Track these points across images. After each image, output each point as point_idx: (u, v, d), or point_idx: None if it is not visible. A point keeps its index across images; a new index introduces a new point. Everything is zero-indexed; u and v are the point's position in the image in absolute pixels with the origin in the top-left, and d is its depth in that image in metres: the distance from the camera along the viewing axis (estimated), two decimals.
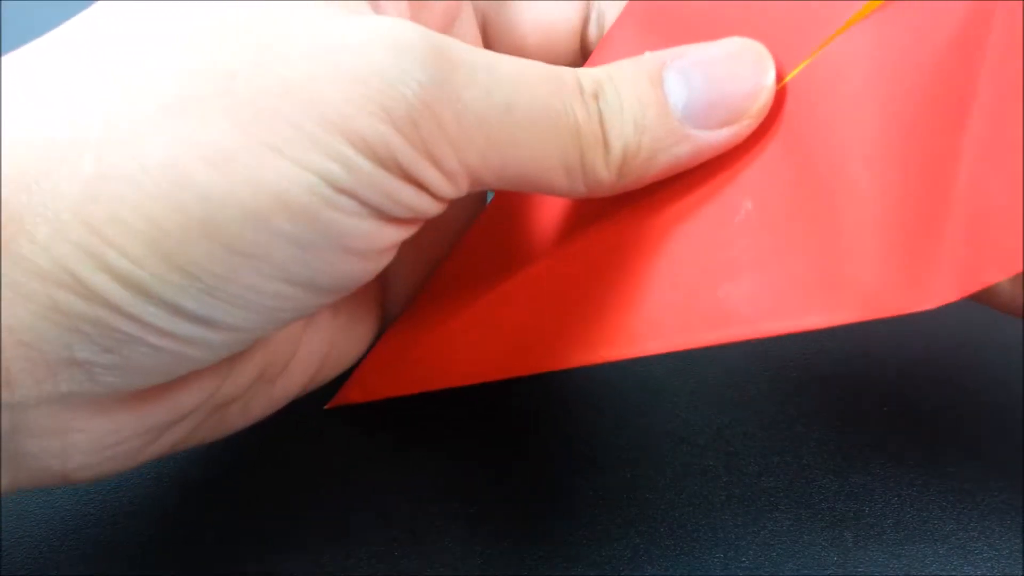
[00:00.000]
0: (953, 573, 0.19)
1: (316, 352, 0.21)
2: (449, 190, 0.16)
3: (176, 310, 0.15)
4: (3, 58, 0.16)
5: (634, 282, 0.19)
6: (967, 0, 0.17)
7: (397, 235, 0.17)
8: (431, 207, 0.17)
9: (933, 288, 0.15)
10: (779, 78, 0.18)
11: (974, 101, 0.16)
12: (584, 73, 0.18)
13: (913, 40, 0.17)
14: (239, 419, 0.20)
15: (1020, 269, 0.14)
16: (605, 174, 0.18)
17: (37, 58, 0.16)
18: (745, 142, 0.19)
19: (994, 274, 0.14)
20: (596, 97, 0.17)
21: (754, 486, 0.21)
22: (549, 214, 0.22)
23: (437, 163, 0.16)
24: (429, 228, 0.22)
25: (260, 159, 0.15)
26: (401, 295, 0.23)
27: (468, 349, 0.21)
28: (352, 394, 0.22)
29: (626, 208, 0.20)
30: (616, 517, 0.20)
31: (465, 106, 0.16)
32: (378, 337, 0.23)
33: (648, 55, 0.18)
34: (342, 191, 0.15)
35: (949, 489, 0.21)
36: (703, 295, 0.18)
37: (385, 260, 0.17)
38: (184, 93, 0.15)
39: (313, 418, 0.23)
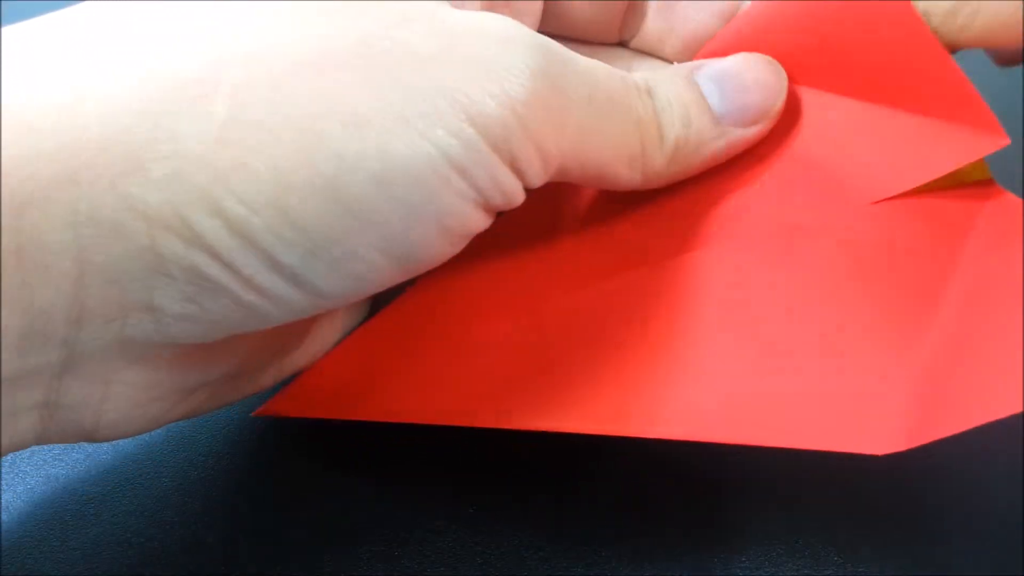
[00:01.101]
0: (953, 573, 0.19)
1: (325, 334, 0.22)
2: (539, 179, 0.18)
3: (275, 265, 0.15)
4: None
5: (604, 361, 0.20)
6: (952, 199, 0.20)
7: (482, 223, 0.18)
8: (517, 196, 0.18)
9: (892, 438, 0.17)
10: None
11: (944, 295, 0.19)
12: (634, 76, 0.20)
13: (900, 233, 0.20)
14: (249, 387, 0.21)
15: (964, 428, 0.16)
16: (661, 162, 0.20)
17: None
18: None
19: (939, 433, 0.16)
20: (650, 95, 0.19)
21: (754, 486, 0.21)
22: (519, 267, 0.22)
23: (540, 148, 0.17)
24: None
25: (393, 128, 0.15)
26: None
27: (415, 385, 0.21)
28: (282, 406, 0.22)
29: (599, 277, 0.21)
30: (616, 517, 0.20)
31: (566, 95, 0.17)
32: None
33: (675, 64, 0.21)
34: (457, 168, 0.16)
35: (948, 489, 0.21)
36: (667, 391, 0.19)
37: (461, 246, 0.18)
38: (321, 54, 0.16)
39: (312, 419, 0.23)
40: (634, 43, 0.24)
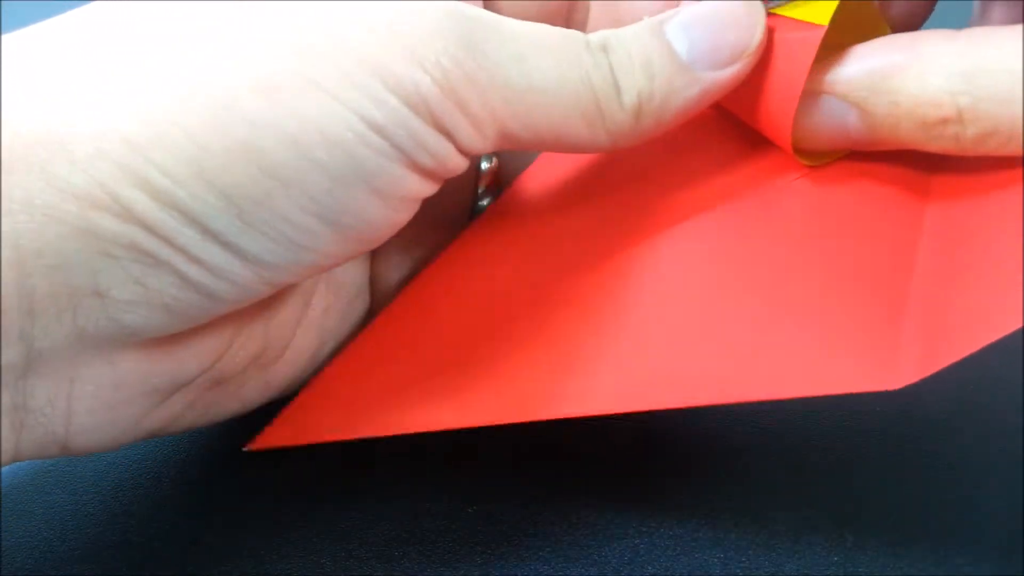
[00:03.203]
0: (953, 573, 0.19)
1: (308, 347, 0.22)
2: (476, 142, 0.17)
3: (208, 232, 0.16)
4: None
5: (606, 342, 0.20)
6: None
7: (420, 187, 0.18)
8: (456, 160, 0.18)
9: (901, 371, 0.17)
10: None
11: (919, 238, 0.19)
12: (589, 34, 0.19)
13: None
14: (233, 402, 0.21)
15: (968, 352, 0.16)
16: (624, 118, 0.19)
17: (84, 10, 0.17)
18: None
19: (948, 359, 0.17)
20: (604, 50, 0.19)
21: (754, 486, 0.21)
22: (506, 268, 0.22)
23: (464, 109, 0.17)
24: (427, 255, 0.23)
25: (304, 92, 0.16)
26: None
27: (419, 393, 0.21)
28: (277, 435, 0.21)
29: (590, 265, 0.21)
30: (616, 517, 0.20)
31: (488, 58, 0.17)
32: None
33: (645, 18, 0.20)
34: (376, 129, 0.16)
35: (949, 489, 0.21)
36: (670, 359, 0.19)
37: (404, 214, 0.18)
38: (229, 28, 0.16)
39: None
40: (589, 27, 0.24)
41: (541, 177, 0.24)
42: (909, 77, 0.18)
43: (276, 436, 0.21)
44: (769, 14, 0.20)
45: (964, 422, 0.22)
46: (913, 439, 0.22)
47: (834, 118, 0.19)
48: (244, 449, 0.21)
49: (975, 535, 0.20)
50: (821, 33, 0.18)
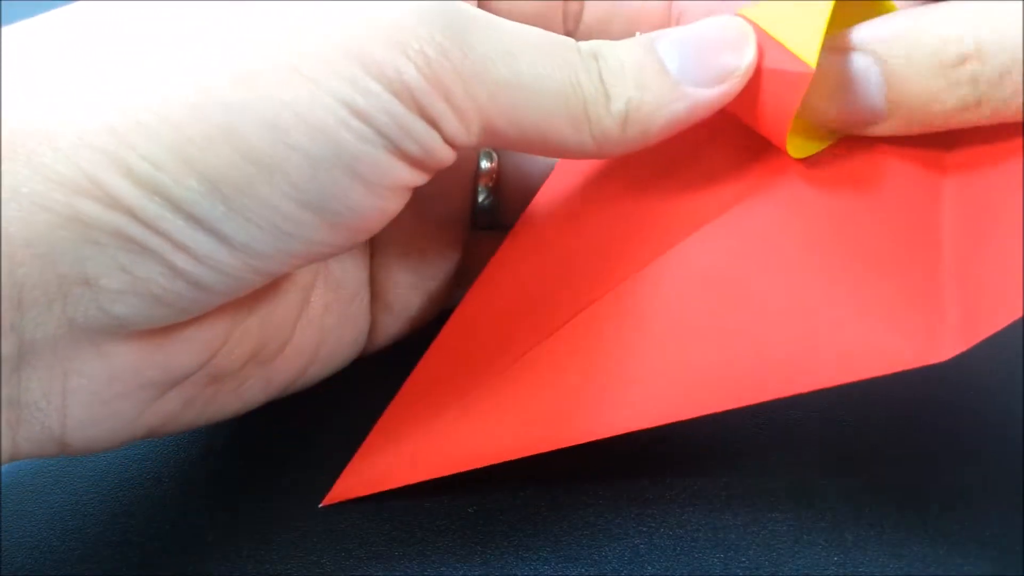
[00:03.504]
0: (953, 573, 0.19)
1: (307, 345, 0.22)
2: (461, 133, 0.18)
3: (193, 219, 0.16)
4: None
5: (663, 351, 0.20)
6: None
7: (408, 176, 0.18)
8: (442, 151, 0.18)
9: (944, 343, 0.18)
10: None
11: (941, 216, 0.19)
12: (581, 42, 0.19)
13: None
14: (232, 400, 0.21)
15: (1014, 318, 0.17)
16: (611, 125, 0.19)
17: (66, 8, 0.18)
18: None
19: (989, 328, 0.17)
20: (595, 58, 0.19)
21: (754, 486, 0.21)
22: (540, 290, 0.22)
23: (448, 98, 0.17)
24: (426, 254, 0.23)
25: (283, 78, 0.16)
26: (394, 319, 0.24)
27: (478, 430, 0.21)
28: (349, 489, 0.21)
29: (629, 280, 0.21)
30: (616, 517, 0.20)
31: (473, 48, 0.17)
32: (364, 351, 0.23)
33: (637, 34, 0.20)
34: (358, 114, 0.16)
35: (949, 489, 0.21)
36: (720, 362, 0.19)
37: (393, 203, 0.18)
38: (206, 21, 0.16)
39: (311, 418, 0.23)
40: (580, 33, 0.24)
41: (562, 191, 0.23)
42: (929, 22, 0.18)
43: (348, 488, 0.21)
44: (764, 34, 0.20)
45: (964, 422, 0.22)
46: (913, 439, 0.22)
47: (857, 77, 0.19)
48: (321, 505, 0.21)
49: (975, 535, 0.20)
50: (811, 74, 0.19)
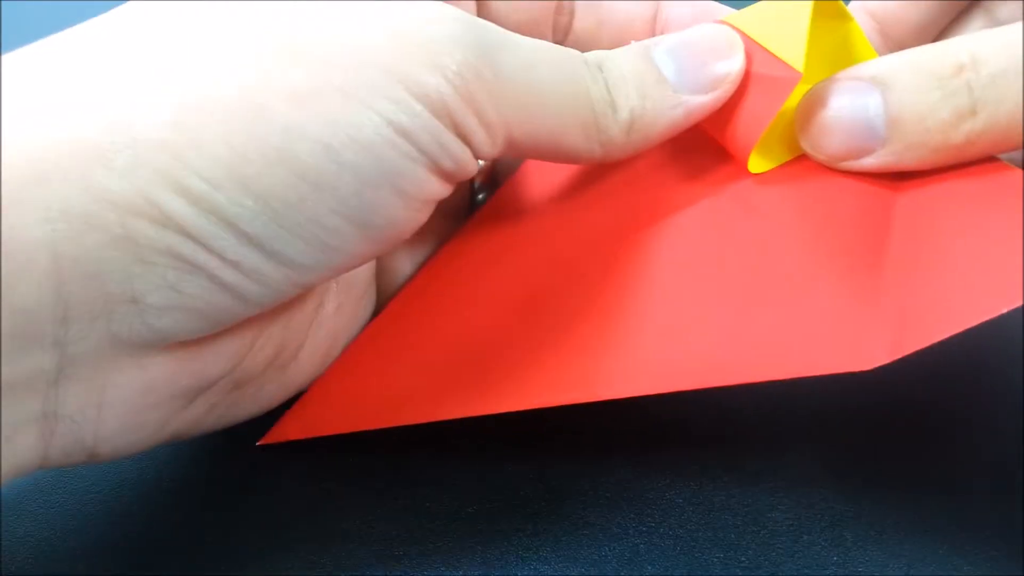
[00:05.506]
0: (953, 573, 0.19)
1: (322, 345, 0.22)
2: (488, 146, 0.19)
3: (244, 236, 0.16)
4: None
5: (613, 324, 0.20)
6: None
7: (439, 189, 0.19)
8: (471, 164, 0.19)
9: (874, 353, 0.18)
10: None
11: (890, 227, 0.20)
12: (584, 53, 0.20)
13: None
14: (251, 404, 0.21)
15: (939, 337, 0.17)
16: (617, 132, 0.20)
17: (115, 16, 0.18)
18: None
19: (917, 344, 0.17)
20: (600, 68, 0.20)
21: (754, 486, 0.21)
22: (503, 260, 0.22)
23: (481, 116, 0.18)
24: (428, 247, 0.24)
25: (334, 100, 0.17)
26: None
27: (426, 383, 0.21)
28: (288, 429, 0.22)
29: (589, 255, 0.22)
30: (616, 517, 0.20)
31: (500, 67, 0.18)
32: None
33: (632, 43, 0.21)
34: (403, 133, 0.17)
35: (949, 489, 0.21)
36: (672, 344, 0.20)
37: (424, 215, 0.19)
38: (256, 44, 0.17)
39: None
40: (569, 41, 0.25)
41: (532, 176, 0.24)
42: (928, 46, 0.20)
43: (288, 430, 0.22)
44: (754, 43, 0.21)
45: (964, 421, 0.22)
46: (913, 439, 0.22)
47: (855, 104, 0.20)
48: (258, 444, 0.21)
49: (975, 535, 0.20)
50: (797, 78, 0.20)
